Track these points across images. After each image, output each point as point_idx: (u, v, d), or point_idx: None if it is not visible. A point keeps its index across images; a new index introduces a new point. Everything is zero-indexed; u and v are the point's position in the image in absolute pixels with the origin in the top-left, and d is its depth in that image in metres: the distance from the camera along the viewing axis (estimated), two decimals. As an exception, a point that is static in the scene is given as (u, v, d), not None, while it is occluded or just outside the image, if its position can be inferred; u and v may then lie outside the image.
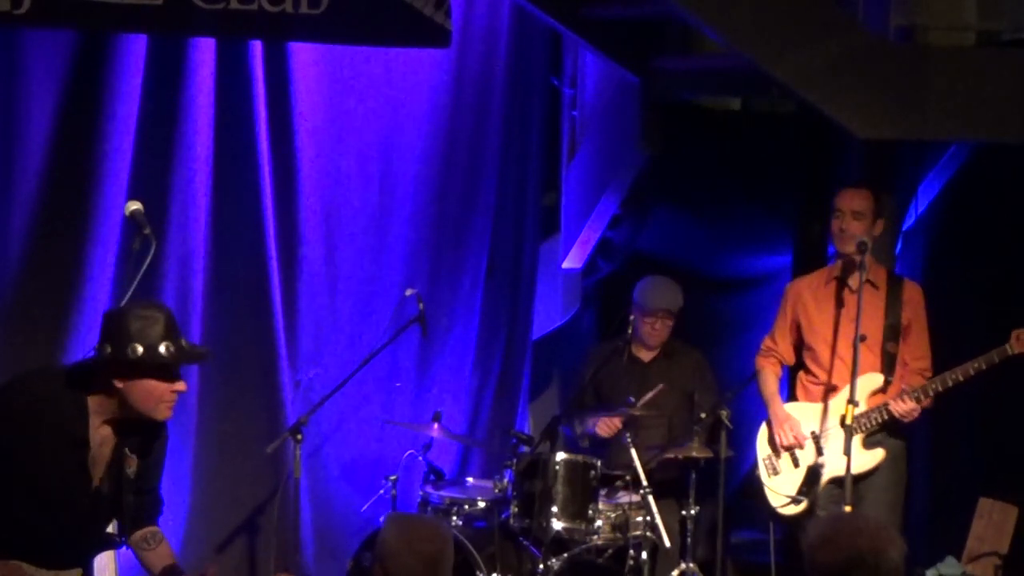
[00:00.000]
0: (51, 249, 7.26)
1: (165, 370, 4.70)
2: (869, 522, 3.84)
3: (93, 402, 4.72)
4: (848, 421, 6.38)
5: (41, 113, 7.23)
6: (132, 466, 4.82)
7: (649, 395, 7.18)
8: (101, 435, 4.75)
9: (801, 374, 6.94)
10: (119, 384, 4.65)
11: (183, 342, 4.74)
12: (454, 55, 7.79)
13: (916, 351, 6.76)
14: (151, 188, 7.29)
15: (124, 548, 5.02)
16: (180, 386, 4.77)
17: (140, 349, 4.62)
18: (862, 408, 6.53)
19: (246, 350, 7.66)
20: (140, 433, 4.83)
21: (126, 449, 4.81)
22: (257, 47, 7.48)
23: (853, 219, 6.67)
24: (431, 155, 7.90)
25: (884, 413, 6.61)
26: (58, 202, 7.28)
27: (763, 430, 6.94)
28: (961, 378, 6.49)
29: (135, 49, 7.30)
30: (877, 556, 3.73)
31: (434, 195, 7.94)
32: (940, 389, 6.55)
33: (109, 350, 4.64)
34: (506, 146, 8.12)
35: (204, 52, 7.41)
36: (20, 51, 7.18)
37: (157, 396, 4.72)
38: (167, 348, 4.66)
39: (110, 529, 5.00)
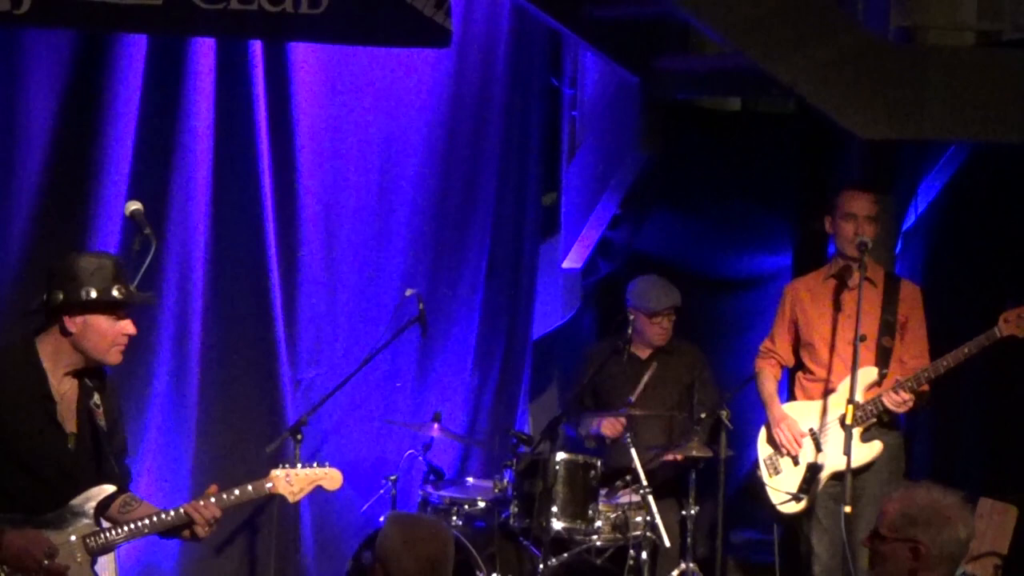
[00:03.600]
0: (51, 249, 7.24)
1: (114, 311, 4.84)
2: (948, 495, 3.96)
3: (48, 356, 4.87)
4: (848, 421, 6.39)
5: (41, 113, 7.23)
6: (101, 419, 4.92)
7: (644, 378, 7.14)
8: (63, 389, 4.89)
9: (799, 373, 6.95)
10: (72, 328, 4.83)
11: (132, 287, 4.91)
12: (454, 55, 7.79)
13: (913, 349, 6.77)
14: (151, 188, 7.30)
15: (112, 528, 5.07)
16: (130, 327, 4.92)
17: (93, 292, 4.80)
18: (858, 400, 6.55)
19: (246, 350, 7.66)
20: (98, 387, 4.96)
21: (91, 403, 4.91)
22: (257, 47, 7.48)
23: (867, 223, 6.68)
24: (431, 155, 7.90)
25: (879, 405, 6.62)
26: (58, 202, 7.28)
27: (763, 432, 6.95)
28: (952, 363, 6.52)
29: (135, 49, 7.29)
30: (943, 522, 3.83)
31: (434, 195, 7.94)
32: (932, 376, 6.57)
33: (61, 297, 4.80)
34: (506, 146, 8.12)
35: (204, 52, 7.41)
36: (20, 51, 7.18)
37: (111, 338, 4.87)
38: (119, 290, 4.83)
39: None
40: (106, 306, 4.82)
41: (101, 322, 4.84)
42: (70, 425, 4.89)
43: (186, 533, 5.04)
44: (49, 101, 7.23)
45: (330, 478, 5.29)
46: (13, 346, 4.92)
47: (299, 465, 5.28)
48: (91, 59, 7.27)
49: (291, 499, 5.25)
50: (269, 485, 5.18)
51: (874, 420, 6.67)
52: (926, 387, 6.63)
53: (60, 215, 7.30)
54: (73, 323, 4.82)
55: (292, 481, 5.21)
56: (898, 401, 6.58)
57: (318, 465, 5.30)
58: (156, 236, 5.35)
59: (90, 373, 4.94)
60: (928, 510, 3.91)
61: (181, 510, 5.01)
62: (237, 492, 5.14)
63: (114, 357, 4.91)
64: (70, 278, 4.81)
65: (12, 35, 7.13)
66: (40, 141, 7.24)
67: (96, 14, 6.98)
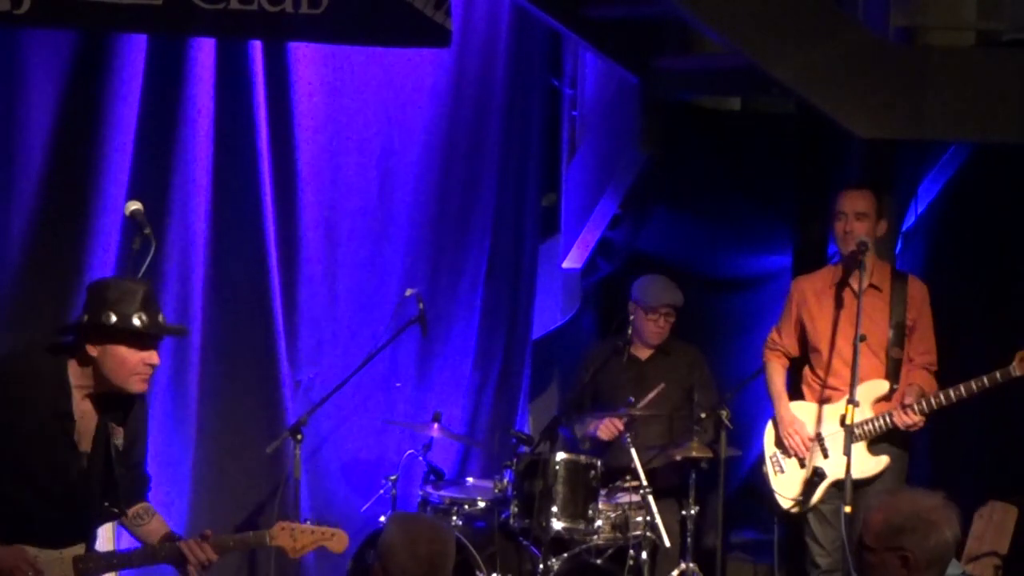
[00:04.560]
0: (51, 249, 7.25)
1: (138, 339, 4.77)
2: (930, 498, 3.94)
3: (74, 375, 4.80)
4: (848, 421, 6.39)
5: (41, 113, 7.22)
6: (118, 437, 4.88)
7: (650, 395, 7.18)
8: (83, 408, 4.83)
9: (807, 372, 6.95)
10: (93, 352, 4.75)
11: (160, 317, 4.82)
12: (454, 55, 7.79)
13: (921, 346, 6.78)
14: (151, 188, 7.29)
15: (120, 527, 5.11)
16: (153, 358, 4.83)
17: (114, 317, 4.72)
18: (867, 413, 6.56)
19: (246, 350, 7.66)
20: (121, 407, 4.89)
21: (110, 422, 4.85)
22: (257, 47, 7.48)
23: (856, 220, 6.69)
24: (431, 155, 7.90)
25: (888, 422, 6.62)
26: (58, 202, 7.28)
27: (769, 428, 6.95)
28: (964, 394, 6.51)
29: (135, 49, 7.29)
30: (929, 528, 3.82)
31: (434, 195, 7.94)
32: (944, 403, 6.56)
33: (86, 318, 4.75)
34: (506, 146, 8.12)
35: (204, 52, 7.41)
36: (20, 51, 7.18)
37: (130, 367, 4.78)
38: (140, 319, 4.74)
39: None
40: (128, 334, 4.74)
41: (121, 350, 4.75)
42: (85, 444, 4.85)
43: (180, 570, 4.99)
44: (49, 101, 7.22)
45: (337, 539, 5.19)
46: (44, 359, 4.83)
47: (307, 522, 5.21)
48: (91, 59, 7.27)
49: (292, 555, 5.16)
50: (272, 538, 5.11)
51: (882, 434, 6.68)
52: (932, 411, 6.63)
53: (60, 215, 7.29)
54: (94, 348, 4.75)
55: (296, 536, 5.12)
56: (908, 423, 6.60)
57: (328, 526, 5.21)
58: (156, 236, 5.35)
59: (117, 393, 4.86)
60: (913, 517, 3.89)
61: (177, 546, 4.94)
62: (237, 538, 5.12)
63: (135, 386, 4.82)
64: (98, 302, 4.75)
65: (12, 35, 7.12)
66: (40, 141, 7.23)
67: (96, 14, 6.98)
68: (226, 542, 5.06)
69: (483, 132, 8.04)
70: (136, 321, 4.73)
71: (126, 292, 4.76)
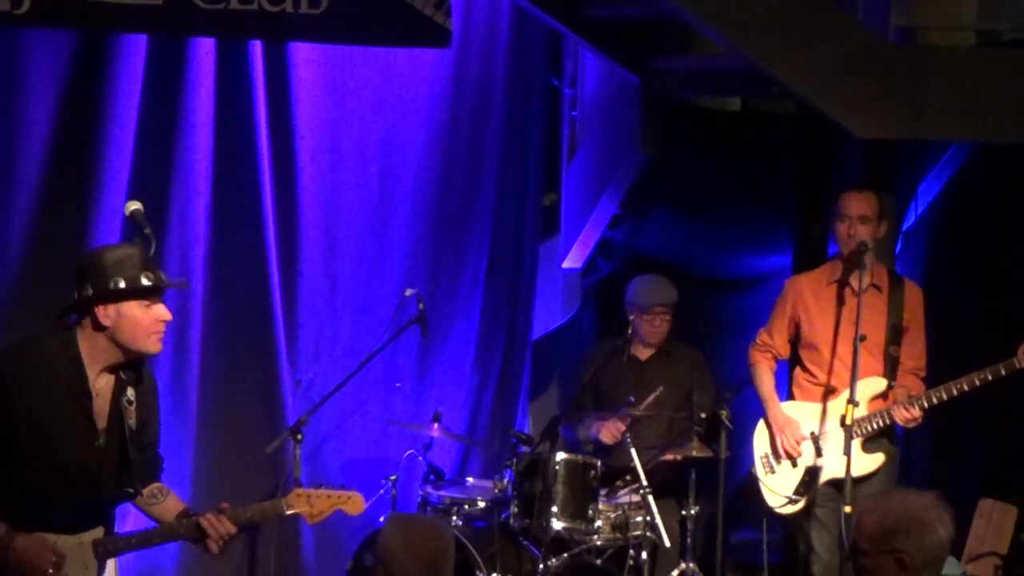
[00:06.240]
0: (51, 249, 7.25)
1: (147, 298, 4.78)
2: (922, 498, 3.92)
3: (85, 352, 4.80)
4: (848, 421, 6.38)
5: (41, 113, 7.23)
6: (132, 417, 4.87)
7: (649, 399, 7.18)
8: (99, 385, 4.83)
9: (799, 373, 6.93)
10: (106, 321, 4.75)
11: (162, 273, 4.84)
12: (454, 55, 7.80)
13: (912, 350, 6.75)
14: (151, 188, 7.30)
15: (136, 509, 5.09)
16: (166, 313, 4.84)
17: (122, 282, 4.73)
18: (864, 411, 6.53)
19: (246, 350, 7.66)
20: (133, 383, 4.90)
21: (123, 401, 4.86)
22: (257, 47, 7.49)
23: (860, 223, 6.65)
24: (431, 155, 7.90)
25: (886, 418, 6.60)
26: (58, 202, 7.29)
27: (760, 427, 6.93)
28: (966, 388, 6.45)
29: (135, 49, 7.30)
30: (922, 528, 3.80)
31: (434, 195, 7.94)
32: (945, 398, 6.52)
33: (90, 291, 4.74)
34: (506, 146, 8.13)
35: (204, 52, 7.41)
36: (20, 51, 7.18)
37: (146, 326, 4.80)
38: (147, 277, 4.76)
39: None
40: (137, 294, 4.75)
41: (134, 310, 4.76)
42: (102, 422, 4.85)
43: (200, 544, 4.99)
44: (49, 101, 7.23)
45: (353, 502, 5.10)
46: (54, 340, 4.83)
47: (322, 487, 5.15)
48: (91, 59, 7.28)
49: (310, 521, 5.10)
50: (288, 505, 5.07)
51: (878, 431, 6.66)
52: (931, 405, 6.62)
53: (60, 215, 7.30)
54: (106, 315, 4.75)
55: (312, 503, 5.07)
56: (908, 418, 6.56)
57: (342, 488, 5.15)
58: (156, 236, 5.35)
59: (127, 367, 4.88)
60: (907, 518, 3.87)
61: (195, 522, 4.95)
62: (254, 509, 5.10)
63: (154, 345, 4.83)
64: (98, 271, 4.75)
65: (12, 35, 7.13)
66: (40, 141, 7.24)
67: (96, 14, 6.99)
68: (243, 513, 5.03)
69: (483, 132, 8.04)
70: (145, 280, 4.75)
71: (125, 256, 4.78)
